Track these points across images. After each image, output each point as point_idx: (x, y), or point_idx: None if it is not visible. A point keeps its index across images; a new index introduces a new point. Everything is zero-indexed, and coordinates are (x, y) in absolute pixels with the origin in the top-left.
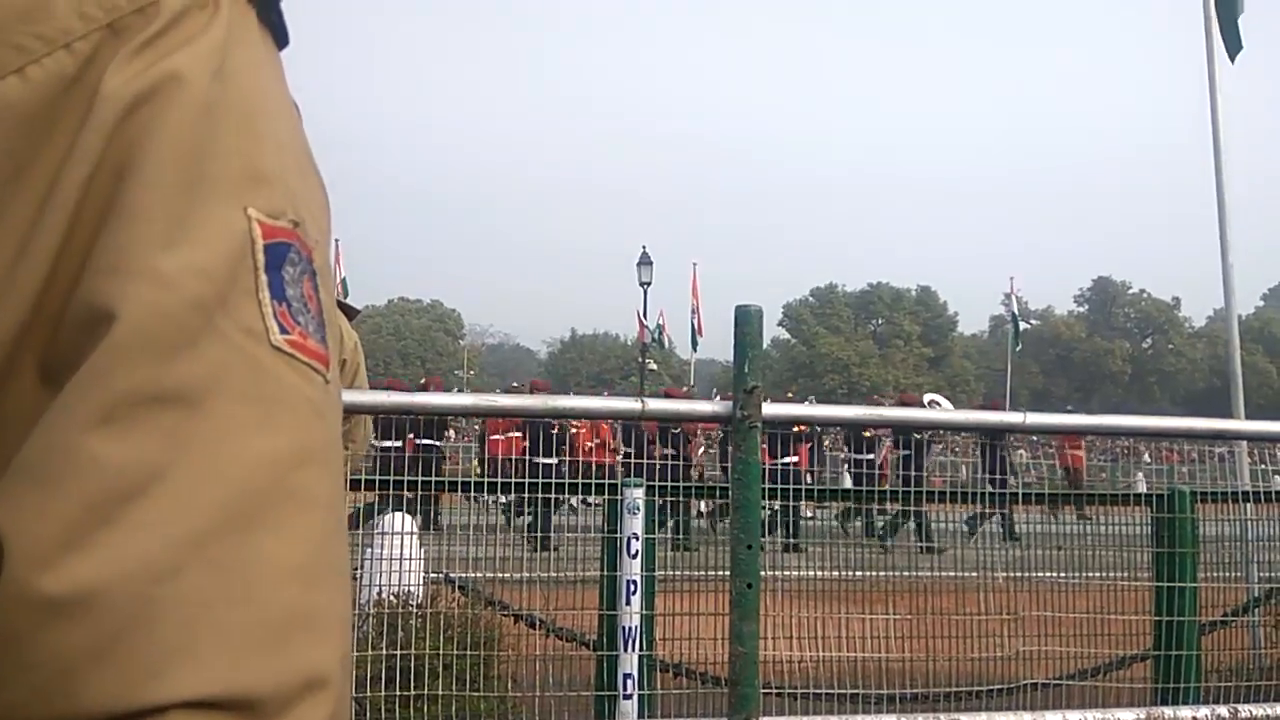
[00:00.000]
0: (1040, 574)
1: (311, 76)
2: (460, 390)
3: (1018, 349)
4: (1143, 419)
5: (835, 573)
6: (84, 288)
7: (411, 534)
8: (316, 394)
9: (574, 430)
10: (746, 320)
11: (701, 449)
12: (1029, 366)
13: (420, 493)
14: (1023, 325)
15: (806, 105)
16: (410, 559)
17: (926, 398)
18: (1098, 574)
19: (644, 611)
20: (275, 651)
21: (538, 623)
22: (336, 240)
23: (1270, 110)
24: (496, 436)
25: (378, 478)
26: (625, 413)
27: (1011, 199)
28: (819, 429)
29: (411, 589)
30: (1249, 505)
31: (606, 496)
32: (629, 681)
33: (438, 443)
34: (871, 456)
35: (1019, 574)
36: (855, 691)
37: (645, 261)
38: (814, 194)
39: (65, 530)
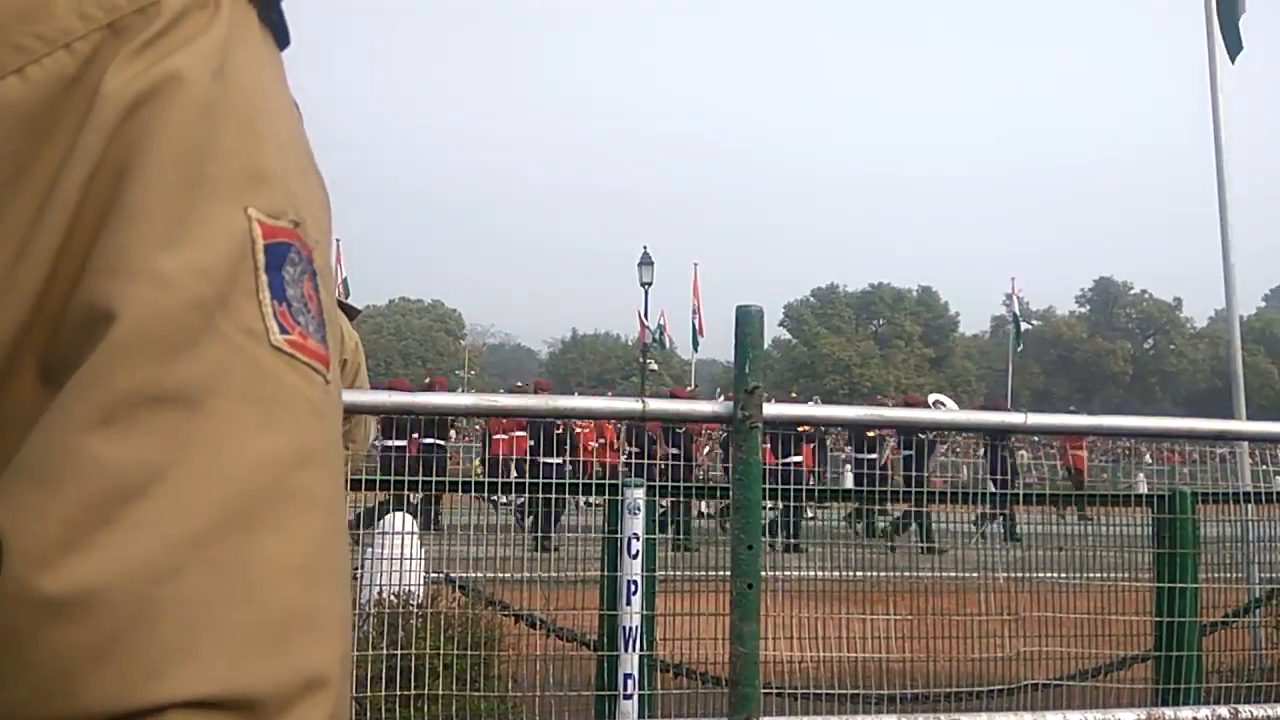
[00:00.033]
0: (1041, 574)
1: (312, 76)
2: (461, 390)
3: (1019, 349)
4: (1144, 420)
5: (836, 573)
6: (84, 288)
7: (412, 534)
8: (317, 394)
9: (579, 431)
10: (747, 320)
11: (707, 448)
12: (1030, 367)
13: (426, 493)
14: (1024, 326)
15: (806, 105)
16: (410, 559)
17: (931, 398)
18: (1099, 575)
19: (644, 611)
20: (275, 651)
21: (538, 623)
22: (337, 240)
23: (1271, 110)
24: (500, 436)
25: (390, 478)
26: (626, 413)
27: (1012, 199)
28: (823, 429)
29: (412, 589)
30: (1250, 506)
31: (607, 497)
32: (629, 681)
33: (442, 442)
34: (874, 456)
35: (1020, 574)
36: (855, 692)
37: (646, 262)
38: (814, 194)
39: (65, 530)
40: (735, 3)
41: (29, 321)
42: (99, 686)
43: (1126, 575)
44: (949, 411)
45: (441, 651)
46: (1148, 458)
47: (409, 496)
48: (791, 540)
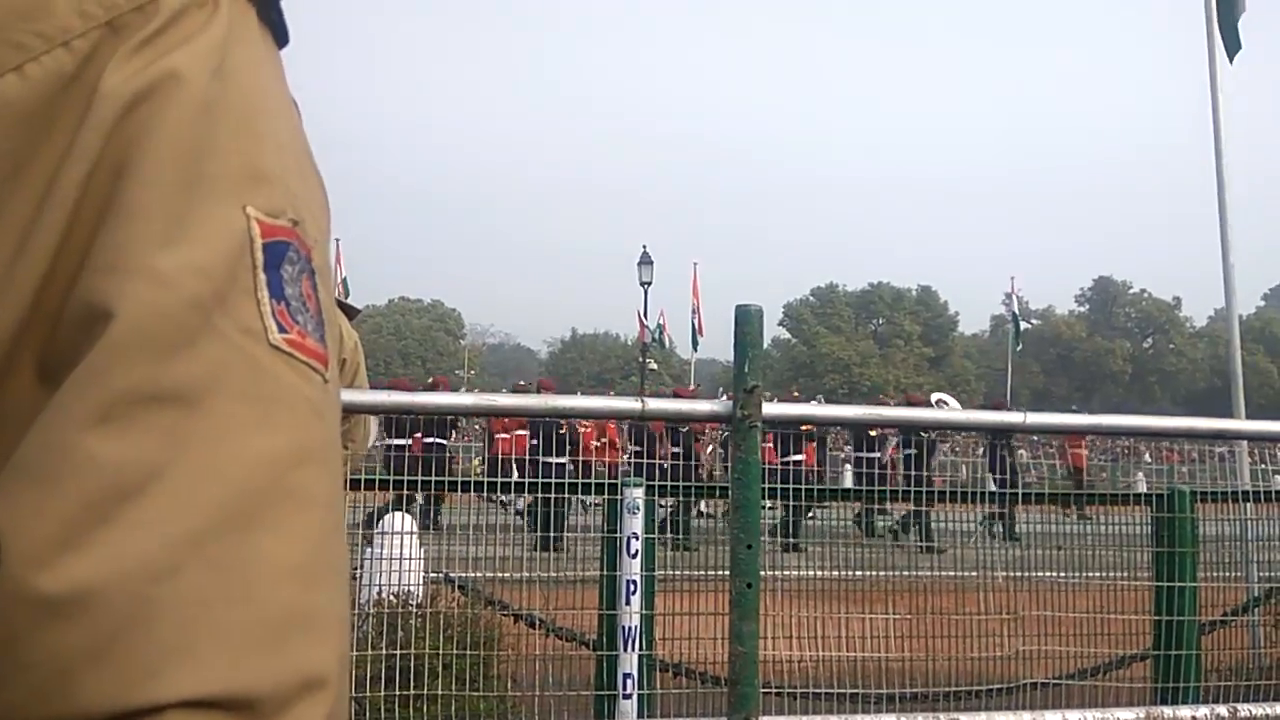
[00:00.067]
0: (1040, 574)
1: (312, 76)
2: (463, 390)
3: (1018, 349)
4: (1143, 419)
5: (835, 572)
6: (82, 286)
7: (411, 534)
8: (315, 393)
9: (581, 430)
10: (747, 320)
11: (710, 448)
12: (1030, 366)
13: (430, 492)
14: (1023, 325)
15: (806, 105)
16: (410, 559)
17: (934, 397)
18: (1098, 574)
19: (644, 611)
20: (274, 651)
21: (537, 622)
22: (337, 240)
23: (1271, 110)
24: (502, 436)
25: (391, 477)
26: (625, 412)
27: (1012, 199)
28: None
29: (411, 589)
30: (1249, 505)
31: (606, 496)
32: (629, 681)
33: (444, 441)
34: (876, 455)
35: (1019, 574)
36: (855, 691)
37: (646, 261)
38: (814, 194)
39: (63, 529)
40: (735, 3)
41: (27, 319)
42: (97, 686)
43: (1126, 574)
44: (949, 410)
45: (441, 651)
46: (1147, 457)
47: (410, 497)
48: (791, 540)
